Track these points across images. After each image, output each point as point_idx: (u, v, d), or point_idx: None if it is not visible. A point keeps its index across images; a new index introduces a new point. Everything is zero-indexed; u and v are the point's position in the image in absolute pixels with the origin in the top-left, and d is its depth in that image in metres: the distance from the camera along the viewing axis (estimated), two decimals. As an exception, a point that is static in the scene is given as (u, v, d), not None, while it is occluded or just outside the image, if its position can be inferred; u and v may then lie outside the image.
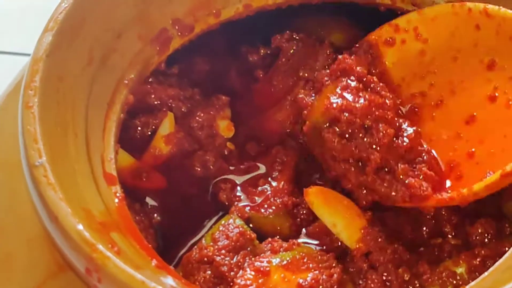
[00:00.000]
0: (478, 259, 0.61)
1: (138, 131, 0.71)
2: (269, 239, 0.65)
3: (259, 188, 0.70)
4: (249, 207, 0.68)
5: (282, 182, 0.70)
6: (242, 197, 0.69)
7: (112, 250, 0.51)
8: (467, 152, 0.65)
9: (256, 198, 0.69)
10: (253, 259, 0.62)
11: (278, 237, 0.66)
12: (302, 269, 0.61)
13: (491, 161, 0.62)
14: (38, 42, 0.60)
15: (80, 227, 0.51)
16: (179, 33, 0.71)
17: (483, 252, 0.62)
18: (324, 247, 0.66)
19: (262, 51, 0.79)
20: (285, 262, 0.61)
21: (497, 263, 0.56)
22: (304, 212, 0.68)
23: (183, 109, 0.73)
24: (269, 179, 0.71)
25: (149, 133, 0.71)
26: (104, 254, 0.50)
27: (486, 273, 0.53)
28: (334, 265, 0.61)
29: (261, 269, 0.60)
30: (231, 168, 0.72)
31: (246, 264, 0.61)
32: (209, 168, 0.71)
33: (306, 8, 0.76)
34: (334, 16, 0.79)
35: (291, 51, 0.77)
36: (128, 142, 0.68)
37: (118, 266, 0.50)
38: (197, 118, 0.72)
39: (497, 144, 0.63)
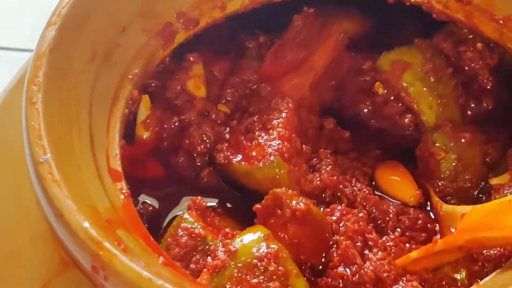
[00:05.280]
0: (478, 264, 0.59)
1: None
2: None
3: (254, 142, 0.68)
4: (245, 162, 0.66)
5: (284, 129, 0.68)
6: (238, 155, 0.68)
7: (118, 247, 0.50)
8: None
9: (254, 153, 0.67)
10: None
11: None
12: None
13: None
14: (41, 37, 0.59)
15: (86, 224, 0.51)
16: (184, 27, 0.69)
17: (482, 256, 0.59)
18: None
19: (261, 39, 0.78)
20: None
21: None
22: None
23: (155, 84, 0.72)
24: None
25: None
26: (111, 252, 0.49)
27: (487, 278, 0.52)
28: None
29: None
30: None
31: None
32: (205, 142, 0.71)
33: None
34: (343, 7, 0.78)
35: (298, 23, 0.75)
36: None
37: (125, 263, 0.49)
38: (170, 88, 0.72)
39: None
